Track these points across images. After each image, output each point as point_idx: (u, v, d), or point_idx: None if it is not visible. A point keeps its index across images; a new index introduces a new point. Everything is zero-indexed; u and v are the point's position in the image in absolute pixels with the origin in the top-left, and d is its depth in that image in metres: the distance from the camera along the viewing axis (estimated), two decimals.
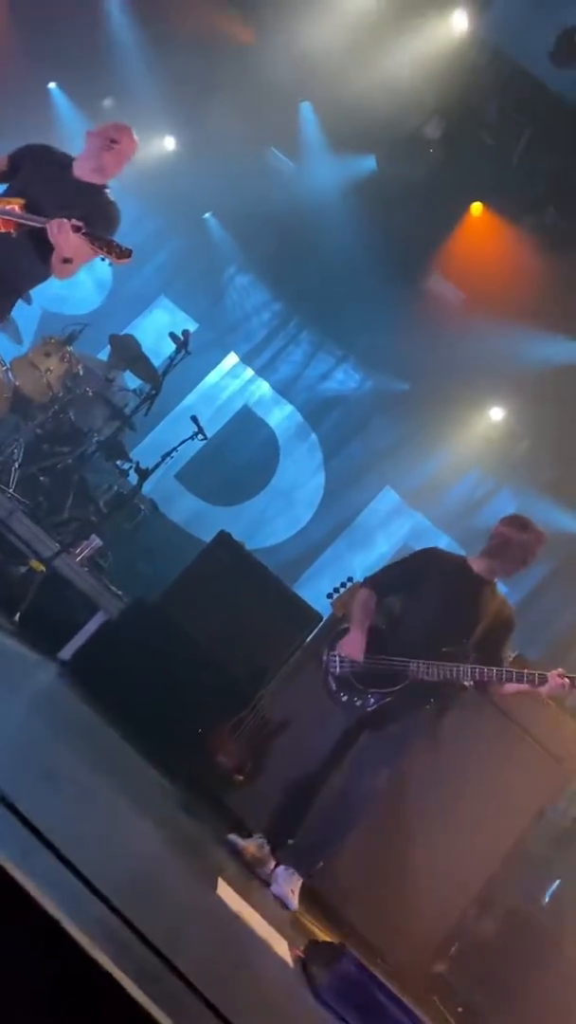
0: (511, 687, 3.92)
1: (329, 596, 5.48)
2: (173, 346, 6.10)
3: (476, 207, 8.10)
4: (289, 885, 3.87)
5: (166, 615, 5.04)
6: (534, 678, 3.84)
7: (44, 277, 4.21)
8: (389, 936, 4.43)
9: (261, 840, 4.00)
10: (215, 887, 2.99)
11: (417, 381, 9.09)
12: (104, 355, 7.30)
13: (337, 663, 4.11)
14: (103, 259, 3.85)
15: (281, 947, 2.99)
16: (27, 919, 1.36)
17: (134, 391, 6.92)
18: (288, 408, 9.54)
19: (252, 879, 3.84)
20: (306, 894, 4.01)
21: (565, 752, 4.78)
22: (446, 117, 7.57)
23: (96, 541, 5.50)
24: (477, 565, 4.19)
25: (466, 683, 4.00)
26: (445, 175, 7.88)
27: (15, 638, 4.39)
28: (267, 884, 3.88)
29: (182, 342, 6.04)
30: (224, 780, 4.54)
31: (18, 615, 4.61)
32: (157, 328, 8.88)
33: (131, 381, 7.12)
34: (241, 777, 4.50)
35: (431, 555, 4.43)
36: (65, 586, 5.02)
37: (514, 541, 4.10)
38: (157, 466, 5.97)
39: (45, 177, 4.09)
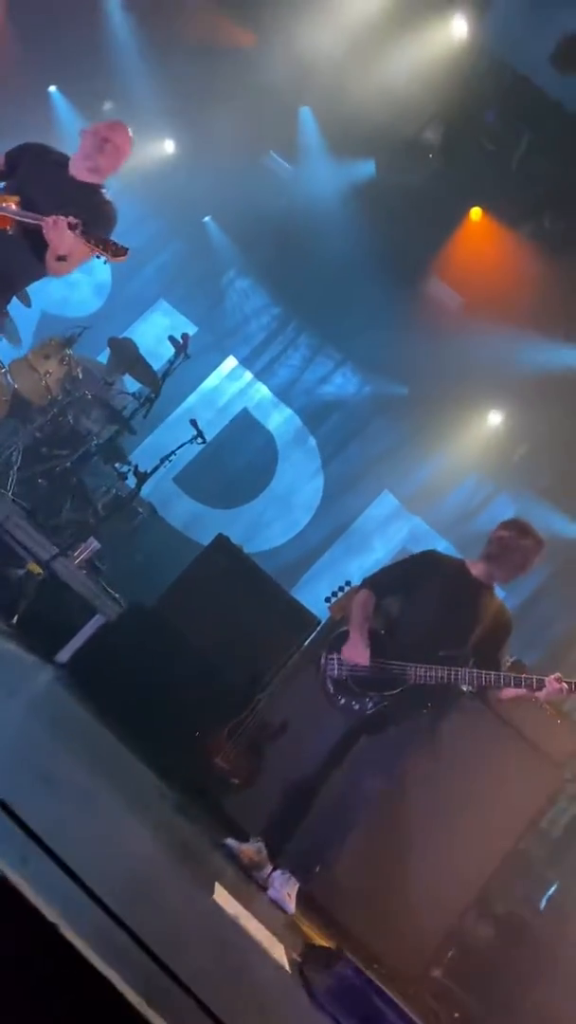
0: (509, 692, 3.92)
1: (327, 600, 5.49)
2: (172, 349, 6.11)
3: (475, 212, 8.11)
4: (286, 889, 3.87)
5: (164, 618, 5.04)
6: (532, 682, 3.84)
7: (39, 275, 4.20)
8: (386, 940, 4.43)
9: (258, 844, 3.99)
10: (212, 891, 2.99)
11: (416, 385, 9.09)
12: (103, 358, 7.31)
13: (335, 666, 4.11)
14: (99, 257, 3.84)
15: (278, 951, 2.98)
16: (24, 924, 1.36)
17: (133, 394, 6.93)
18: (287, 412, 9.55)
19: (249, 883, 3.84)
20: (303, 898, 4.01)
21: (562, 756, 4.78)
22: (445, 122, 7.58)
23: (94, 544, 5.50)
24: (476, 569, 4.19)
25: (464, 687, 4.00)
26: (444, 180, 7.89)
27: (13, 641, 4.39)
28: (264, 888, 3.88)
29: (181, 345, 6.04)
30: (221, 784, 4.54)
31: (16, 618, 4.61)
32: (156, 331, 8.89)
33: (130, 384, 7.12)
34: (238, 781, 4.50)
35: (430, 558, 4.42)
36: (63, 589, 5.02)
37: (513, 547, 4.10)
38: (156, 469, 5.97)
39: (42, 176, 4.08)
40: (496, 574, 4.17)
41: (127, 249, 3.84)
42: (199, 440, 6.19)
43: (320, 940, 3.92)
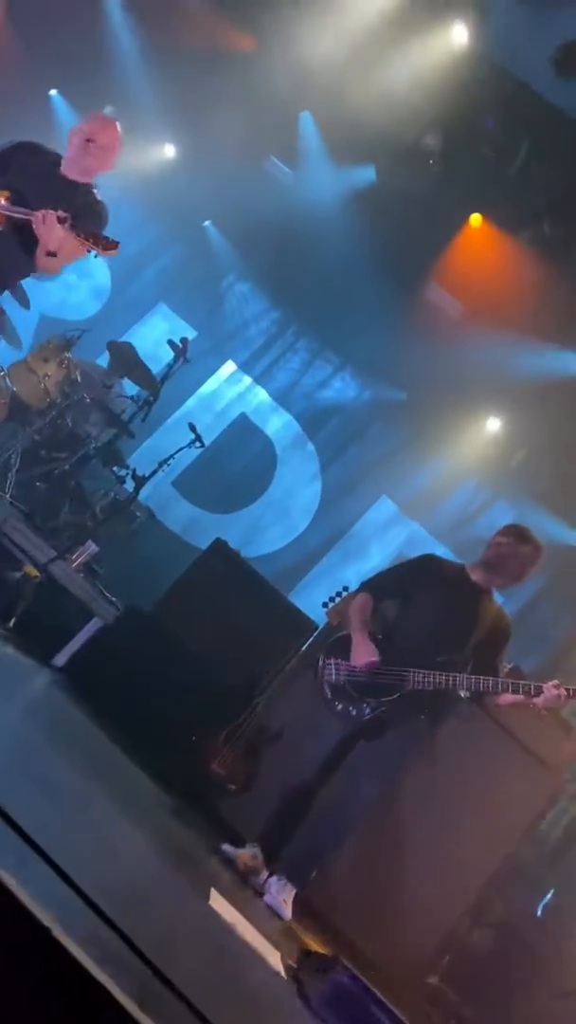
0: (507, 698, 3.91)
1: (324, 605, 5.48)
2: (171, 353, 6.11)
3: (475, 218, 8.12)
4: (282, 895, 3.85)
5: (161, 622, 5.04)
6: (530, 689, 3.83)
7: (29, 272, 4.17)
8: (382, 947, 4.42)
9: (254, 849, 3.98)
10: (208, 897, 2.98)
11: (415, 391, 9.10)
12: (102, 361, 7.31)
13: (333, 671, 4.10)
14: (90, 252, 3.83)
15: (274, 958, 2.97)
16: (18, 927, 1.35)
17: (132, 398, 6.93)
18: (285, 416, 9.55)
19: (245, 889, 3.83)
20: (299, 904, 3.99)
21: (559, 763, 4.77)
22: (445, 128, 7.59)
23: (92, 547, 5.50)
24: (474, 574, 4.18)
25: (462, 693, 3.99)
26: (444, 186, 7.90)
27: (10, 644, 4.38)
28: (260, 894, 3.87)
29: (180, 349, 6.04)
30: (218, 788, 4.53)
31: (13, 621, 4.60)
32: (155, 335, 8.89)
33: (129, 388, 7.12)
34: (235, 786, 4.49)
35: (429, 562, 4.41)
36: (60, 592, 5.02)
37: (512, 553, 4.09)
38: (154, 473, 5.97)
39: (33, 174, 4.06)
40: (494, 580, 4.16)
41: (118, 243, 3.82)
42: (197, 444, 6.19)
43: (316, 946, 3.90)
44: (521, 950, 4.91)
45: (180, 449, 6.09)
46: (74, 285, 9.44)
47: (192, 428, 6.16)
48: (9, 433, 6.18)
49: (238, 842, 4.09)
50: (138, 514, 6.78)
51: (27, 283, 7.14)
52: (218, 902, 2.99)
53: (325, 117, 8.26)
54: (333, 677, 4.09)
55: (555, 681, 3.81)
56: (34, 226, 3.75)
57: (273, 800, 4.11)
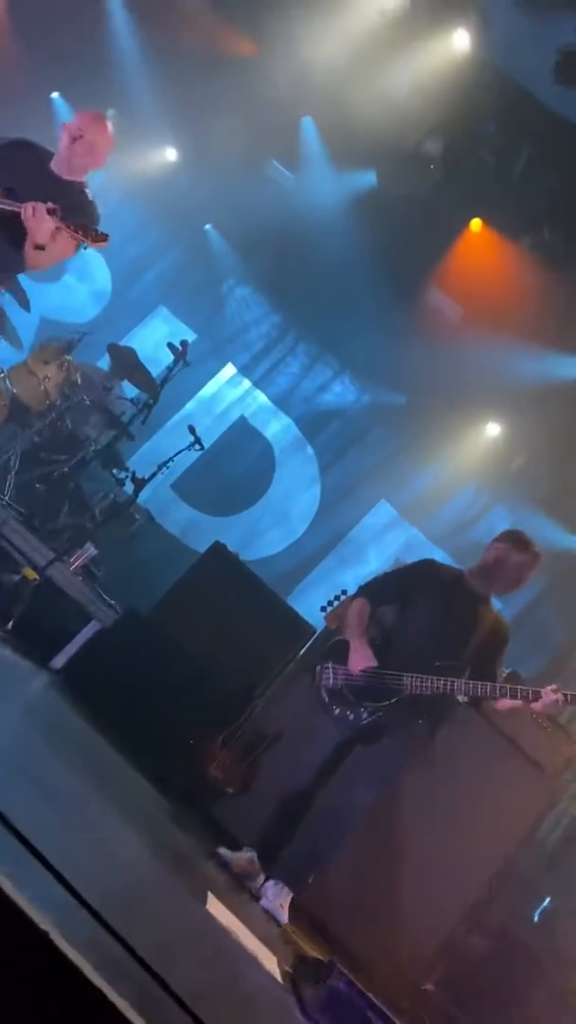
0: (505, 703, 3.91)
1: (323, 609, 5.48)
2: (171, 356, 6.11)
3: (475, 223, 8.14)
4: (279, 899, 3.85)
5: (159, 625, 5.03)
6: (528, 694, 3.83)
7: (18, 268, 4.15)
8: (378, 952, 4.41)
9: (251, 854, 3.98)
10: (205, 901, 2.97)
11: (414, 395, 9.11)
12: (103, 363, 7.31)
13: (331, 675, 4.09)
14: (80, 245, 3.81)
15: (270, 962, 2.97)
16: (15, 931, 1.34)
17: (132, 400, 6.93)
18: (285, 420, 9.56)
19: (242, 893, 3.82)
20: (296, 908, 3.99)
21: (556, 769, 4.77)
22: (447, 134, 7.62)
23: (91, 550, 5.49)
24: (472, 580, 4.18)
25: (460, 698, 3.99)
26: (445, 191, 7.92)
27: (8, 646, 4.37)
28: (257, 898, 3.86)
29: (180, 352, 6.05)
30: (215, 792, 4.52)
31: (11, 623, 4.60)
32: (156, 338, 8.90)
33: (129, 390, 7.13)
34: (232, 789, 4.48)
35: (427, 567, 4.41)
36: (58, 595, 5.01)
37: (510, 559, 4.08)
38: (153, 475, 5.97)
39: (24, 171, 4.03)
40: (492, 586, 4.15)
41: (107, 235, 3.81)
42: (197, 447, 6.18)
43: (312, 951, 3.90)
44: (518, 956, 4.91)
45: (179, 452, 6.09)
46: (75, 288, 9.45)
47: (192, 431, 6.16)
48: (8, 435, 6.18)
49: (235, 846, 4.08)
50: (137, 516, 6.78)
51: (27, 285, 7.15)
52: (215, 906, 2.98)
53: (326, 121, 8.28)
54: (331, 681, 4.08)
55: (553, 686, 3.81)
56: (23, 218, 3.73)
57: (270, 804, 4.10)
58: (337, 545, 9.13)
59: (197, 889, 3.14)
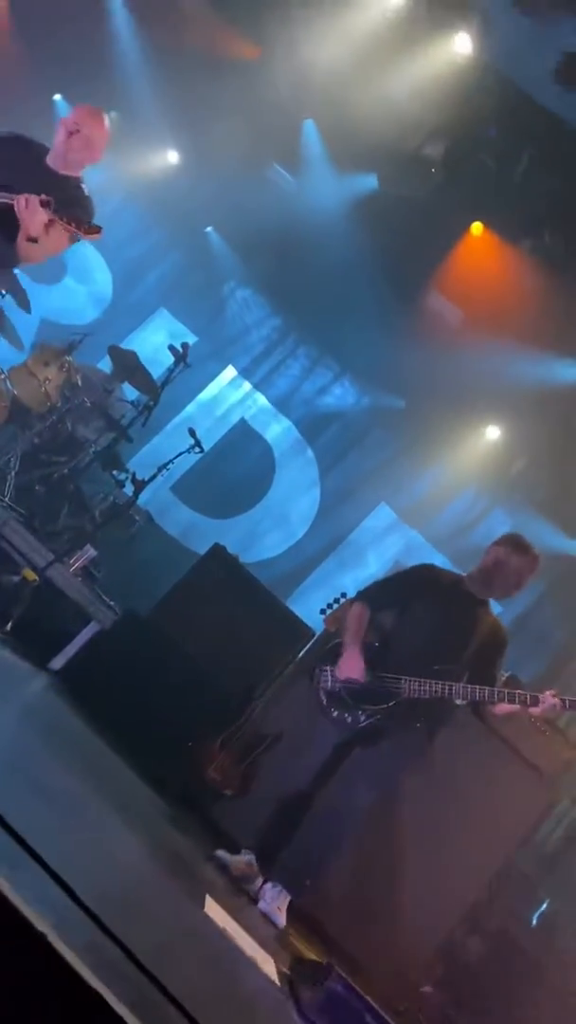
0: (503, 707, 3.91)
1: (322, 612, 5.48)
2: (172, 358, 6.12)
3: (476, 227, 8.15)
4: (276, 902, 3.85)
5: (158, 627, 5.03)
6: (526, 698, 3.83)
7: (11, 262, 4.12)
8: (376, 955, 4.40)
9: (249, 856, 3.98)
10: (203, 904, 2.97)
11: (414, 398, 9.11)
12: (103, 365, 7.32)
13: (329, 678, 4.10)
14: (73, 236, 3.79)
15: (268, 965, 2.97)
16: (13, 933, 1.35)
17: (132, 402, 6.93)
18: (285, 422, 9.56)
19: (240, 895, 3.82)
20: (294, 911, 3.99)
21: (554, 773, 4.77)
22: (448, 137, 7.62)
23: (90, 551, 5.50)
24: (471, 584, 4.18)
25: (458, 702, 3.99)
26: (446, 194, 7.93)
27: (7, 647, 4.38)
28: (255, 900, 3.86)
29: (181, 355, 6.05)
30: (214, 794, 4.52)
31: (10, 624, 4.60)
32: (156, 340, 8.91)
33: (130, 392, 7.14)
34: (230, 792, 4.48)
35: (426, 572, 4.41)
36: (58, 596, 5.02)
37: (509, 563, 4.08)
38: (153, 477, 5.97)
39: (19, 166, 4.01)
40: (491, 590, 4.15)
41: (100, 228, 3.80)
42: (197, 449, 6.19)
43: (310, 954, 3.90)
44: (516, 959, 4.91)
45: (180, 454, 6.09)
46: (75, 289, 9.46)
47: (192, 433, 6.17)
48: (8, 436, 6.19)
49: (233, 848, 4.08)
50: (137, 518, 6.78)
51: (28, 287, 7.17)
52: (213, 908, 2.98)
53: (328, 125, 8.28)
54: (329, 684, 4.09)
55: (552, 691, 3.81)
56: (16, 211, 3.72)
57: (268, 806, 4.10)
58: (337, 548, 9.13)
59: (195, 891, 3.14)
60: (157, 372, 6.80)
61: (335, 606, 5.41)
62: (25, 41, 8.56)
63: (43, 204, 3.67)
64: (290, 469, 9.47)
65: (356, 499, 9.23)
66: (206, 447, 6.40)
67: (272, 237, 8.97)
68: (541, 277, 7.67)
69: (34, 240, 3.77)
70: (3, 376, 6.07)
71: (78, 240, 3.88)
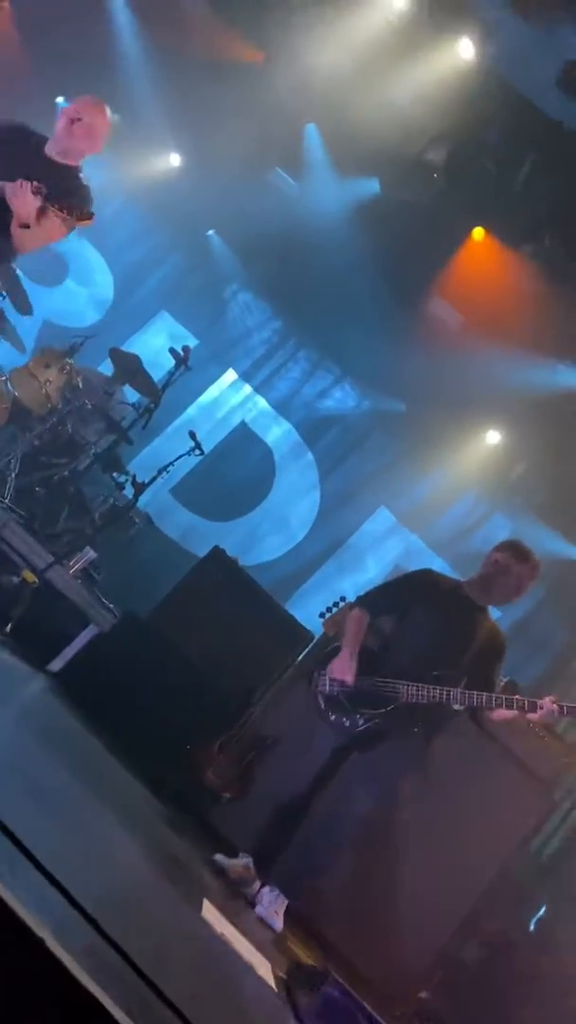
0: (501, 713, 3.90)
1: (321, 615, 5.48)
2: (172, 360, 6.12)
3: (478, 232, 8.16)
4: (274, 906, 3.84)
5: (158, 629, 5.03)
6: (524, 704, 3.82)
7: (7, 252, 4.11)
8: (373, 960, 4.40)
9: (247, 860, 3.97)
10: (201, 907, 2.97)
11: (414, 402, 9.12)
12: (104, 368, 7.33)
13: (327, 682, 4.10)
14: (64, 222, 3.79)
15: (264, 969, 2.96)
16: (11, 937, 1.35)
17: (133, 405, 6.94)
18: (285, 425, 9.57)
19: (237, 899, 3.82)
20: (291, 915, 3.98)
21: (553, 779, 4.77)
22: (450, 142, 7.63)
23: (90, 553, 5.50)
24: (470, 590, 4.18)
25: (456, 707, 3.98)
26: (448, 199, 7.94)
27: (6, 649, 4.37)
28: (252, 904, 3.85)
29: (182, 357, 6.06)
30: (212, 798, 4.51)
31: (9, 626, 4.60)
32: (157, 342, 8.91)
33: (130, 395, 7.14)
34: (229, 795, 4.48)
35: (425, 577, 4.41)
36: (57, 598, 5.01)
37: (509, 570, 4.08)
38: (153, 480, 5.97)
39: (16, 155, 4.00)
40: (491, 596, 4.15)
41: (92, 214, 3.80)
42: (197, 452, 6.19)
43: (307, 958, 3.89)
44: (513, 964, 4.90)
45: (180, 456, 6.09)
46: (77, 292, 9.47)
47: (192, 436, 6.17)
48: (9, 438, 6.19)
49: (231, 852, 4.07)
50: (136, 521, 6.78)
51: (30, 289, 7.19)
52: (210, 913, 2.98)
53: (330, 129, 8.30)
54: (327, 688, 4.09)
55: (550, 697, 3.81)
56: (8, 197, 3.71)
57: (267, 810, 4.10)
58: (336, 551, 9.13)
59: (193, 895, 3.13)
60: (158, 375, 6.80)
61: (334, 610, 5.42)
62: (28, 43, 8.57)
63: (35, 192, 3.67)
64: (290, 472, 9.47)
65: (356, 503, 9.24)
66: (206, 450, 6.40)
67: (274, 241, 8.98)
68: (542, 282, 7.68)
69: (26, 226, 3.76)
70: (4, 378, 6.07)
71: (74, 228, 3.88)
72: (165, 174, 9.25)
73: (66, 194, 3.86)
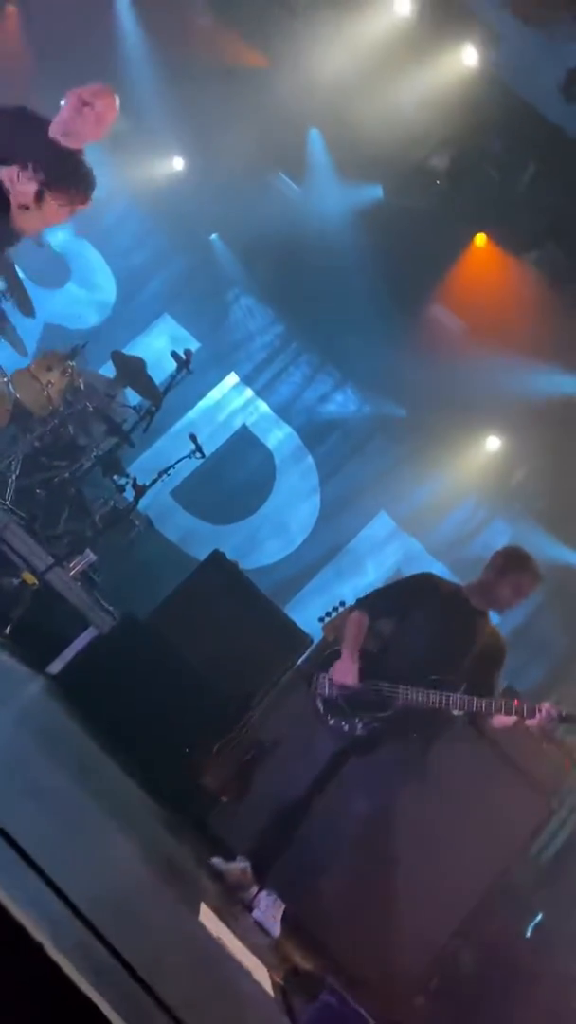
0: (500, 719, 3.90)
1: (321, 620, 5.48)
2: (174, 363, 6.13)
3: (480, 238, 8.17)
4: (272, 911, 3.84)
5: (157, 632, 5.03)
6: (523, 710, 3.82)
7: (9, 237, 4.09)
8: (370, 966, 4.39)
9: (244, 864, 3.97)
10: (198, 912, 2.97)
11: (415, 407, 9.13)
12: (105, 370, 7.34)
13: (326, 686, 4.10)
14: (67, 205, 3.80)
15: (261, 974, 2.96)
16: (8, 940, 1.35)
17: (134, 407, 6.95)
18: (286, 429, 9.58)
19: (234, 903, 3.81)
20: (288, 920, 3.98)
21: (550, 785, 4.76)
22: (453, 149, 7.65)
23: (90, 556, 5.50)
24: (471, 596, 4.18)
25: (455, 712, 3.98)
26: (450, 206, 7.95)
27: (5, 650, 4.37)
28: (249, 909, 3.85)
29: (184, 361, 6.06)
30: (210, 801, 4.51)
31: (9, 627, 4.60)
32: (159, 345, 8.92)
33: (132, 397, 7.15)
34: (227, 799, 4.47)
35: (426, 581, 4.40)
36: (57, 600, 5.02)
37: (510, 576, 4.09)
38: (154, 482, 5.98)
39: (20, 138, 3.97)
40: (491, 601, 4.15)
41: (89, 196, 3.81)
42: (198, 455, 6.20)
43: (304, 963, 3.88)
44: (510, 971, 4.89)
45: (180, 459, 6.10)
46: (79, 294, 9.48)
47: (193, 439, 6.18)
48: (10, 439, 6.19)
49: (228, 855, 4.07)
50: (137, 523, 6.78)
51: (32, 291, 7.19)
52: (207, 916, 2.97)
53: (333, 134, 8.31)
54: (326, 691, 4.09)
55: (549, 703, 3.80)
56: (4, 178, 3.72)
57: (264, 814, 4.09)
58: (336, 556, 9.13)
59: (190, 899, 3.13)
60: (160, 377, 6.81)
61: (333, 614, 5.42)
62: (32, 47, 8.60)
63: (30, 177, 3.68)
64: (291, 476, 9.47)
65: (356, 507, 9.24)
66: (207, 453, 6.41)
67: (276, 245, 8.99)
68: (544, 289, 7.69)
69: (26, 207, 3.77)
70: (6, 379, 6.08)
71: (74, 212, 3.88)
72: (168, 178, 9.26)
73: (65, 177, 3.86)
